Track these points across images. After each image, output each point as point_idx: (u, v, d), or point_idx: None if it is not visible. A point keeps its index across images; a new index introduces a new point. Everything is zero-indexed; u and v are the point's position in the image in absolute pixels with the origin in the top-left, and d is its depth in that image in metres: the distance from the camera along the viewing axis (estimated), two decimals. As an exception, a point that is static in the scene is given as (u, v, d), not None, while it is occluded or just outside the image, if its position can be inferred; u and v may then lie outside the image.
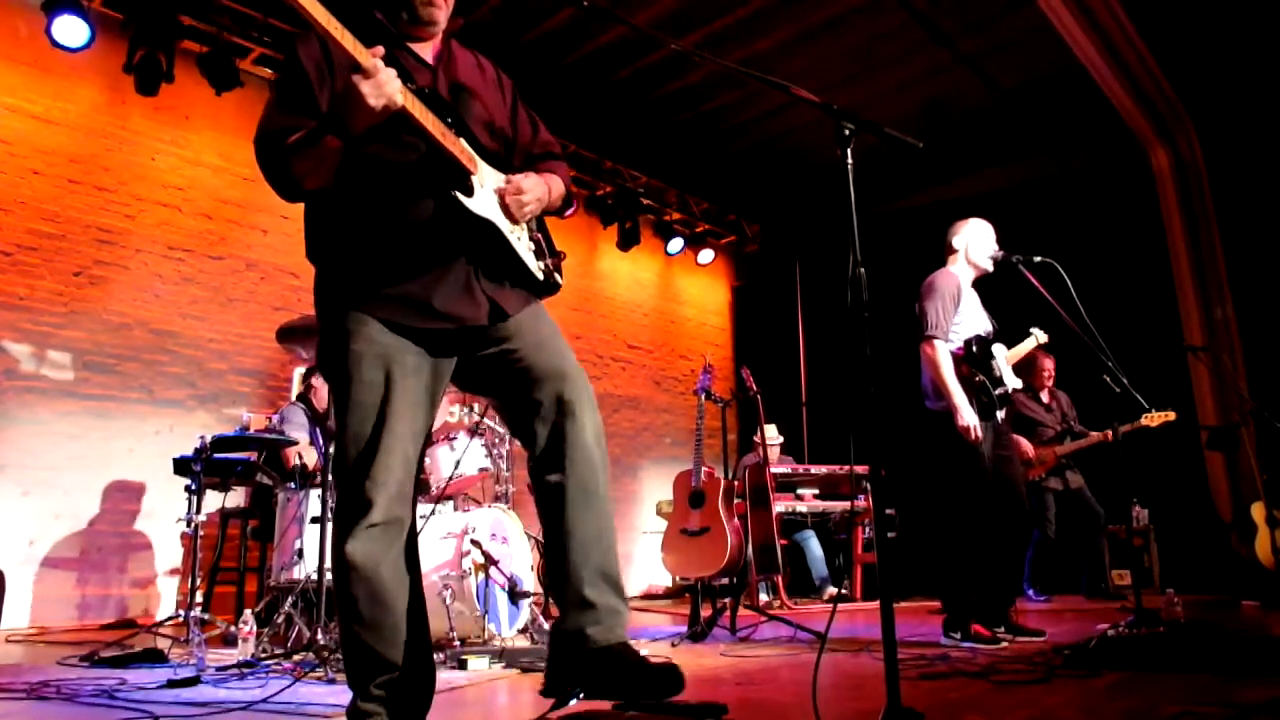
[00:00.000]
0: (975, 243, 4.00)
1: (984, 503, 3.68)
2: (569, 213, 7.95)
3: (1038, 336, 4.48)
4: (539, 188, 2.05)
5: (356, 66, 1.66)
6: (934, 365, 3.78)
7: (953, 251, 4.03)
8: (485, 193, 1.95)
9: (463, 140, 1.92)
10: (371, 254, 1.90)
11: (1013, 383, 3.88)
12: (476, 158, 1.95)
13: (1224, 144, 7.44)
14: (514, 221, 2.00)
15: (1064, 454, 6.13)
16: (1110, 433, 5.86)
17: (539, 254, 2.09)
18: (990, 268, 3.99)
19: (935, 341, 3.79)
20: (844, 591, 7.05)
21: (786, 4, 6.57)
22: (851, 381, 1.70)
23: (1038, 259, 3.73)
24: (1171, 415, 5.33)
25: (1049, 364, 6.39)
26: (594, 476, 1.95)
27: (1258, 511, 6.01)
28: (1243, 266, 7.25)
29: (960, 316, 3.87)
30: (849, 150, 1.68)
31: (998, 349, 3.86)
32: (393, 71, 1.69)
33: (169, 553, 5.84)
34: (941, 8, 6.57)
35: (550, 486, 1.95)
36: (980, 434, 3.68)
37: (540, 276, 2.06)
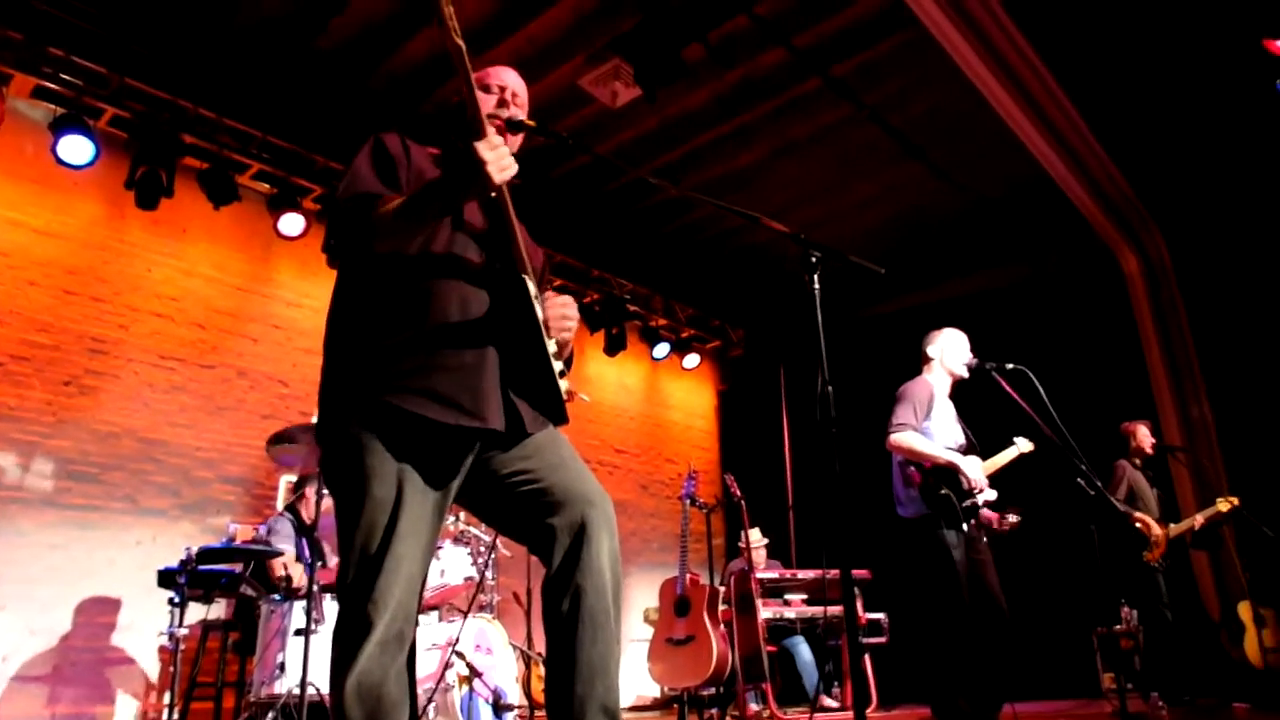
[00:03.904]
0: (949, 351, 4.14)
1: (962, 608, 3.70)
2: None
3: (1020, 446, 4.30)
4: (577, 314, 2.10)
5: (478, 133, 1.74)
6: (910, 451, 3.84)
7: (928, 360, 4.17)
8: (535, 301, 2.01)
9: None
10: (408, 342, 1.90)
11: (984, 495, 3.92)
12: (529, 266, 2.02)
13: (1190, 246, 7.70)
14: (550, 337, 2.03)
15: (1175, 535, 5.90)
16: (1202, 518, 5.88)
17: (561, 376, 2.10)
18: (965, 374, 4.11)
19: (899, 433, 3.86)
20: (833, 702, 6.90)
21: (767, 121, 6.88)
22: (828, 493, 1.76)
23: (1010, 366, 3.84)
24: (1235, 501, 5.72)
25: (1146, 429, 6.23)
26: (605, 605, 1.93)
27: (1245, 611, 6.00)
28: (1217, 365, 7.41)
29: (933, 425, 3.97)
30: (815, 275, 1.79)
31: (969, 461, 3.93)
32: (506, 148, 1.77)
33: (146, 667, 5.71)
34: (914, 122, 6.88)
35: (561, 612, 1.93)
36: (985, 484, 3.78)
37: (563, 398, 2.06)
